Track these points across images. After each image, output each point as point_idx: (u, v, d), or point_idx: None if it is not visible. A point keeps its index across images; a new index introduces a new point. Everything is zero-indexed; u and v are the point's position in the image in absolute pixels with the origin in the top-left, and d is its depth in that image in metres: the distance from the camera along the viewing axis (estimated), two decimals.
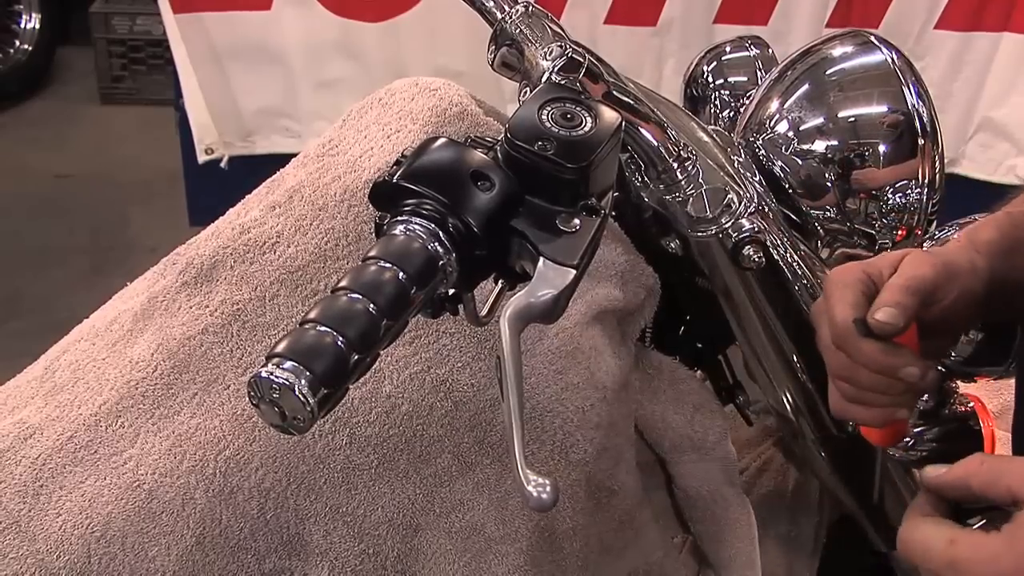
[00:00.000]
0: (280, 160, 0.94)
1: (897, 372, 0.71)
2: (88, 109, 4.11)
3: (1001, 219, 0.80)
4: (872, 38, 0.95)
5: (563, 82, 0.77)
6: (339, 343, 0.59)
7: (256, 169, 0.95)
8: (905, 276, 0.72)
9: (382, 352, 0.63)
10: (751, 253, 0.86)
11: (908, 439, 0.96)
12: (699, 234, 0.87)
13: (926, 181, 0.92)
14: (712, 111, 1.07)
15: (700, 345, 0.99)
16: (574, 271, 0.64)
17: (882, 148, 0.92)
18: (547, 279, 0.64)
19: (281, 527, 0.78)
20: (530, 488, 0.59)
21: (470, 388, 0.81)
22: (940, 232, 0.99)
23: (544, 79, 0.77)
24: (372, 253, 0.63)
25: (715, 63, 1.07)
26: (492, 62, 0.84)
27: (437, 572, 0.80)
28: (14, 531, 0.76)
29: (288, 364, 0.58)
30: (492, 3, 0.83)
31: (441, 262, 0.64)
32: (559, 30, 0.82)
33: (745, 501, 0.96)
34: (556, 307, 0.65)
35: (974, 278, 0.75)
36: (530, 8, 0.82)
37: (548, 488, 0.59)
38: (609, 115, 0.70)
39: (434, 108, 0.88)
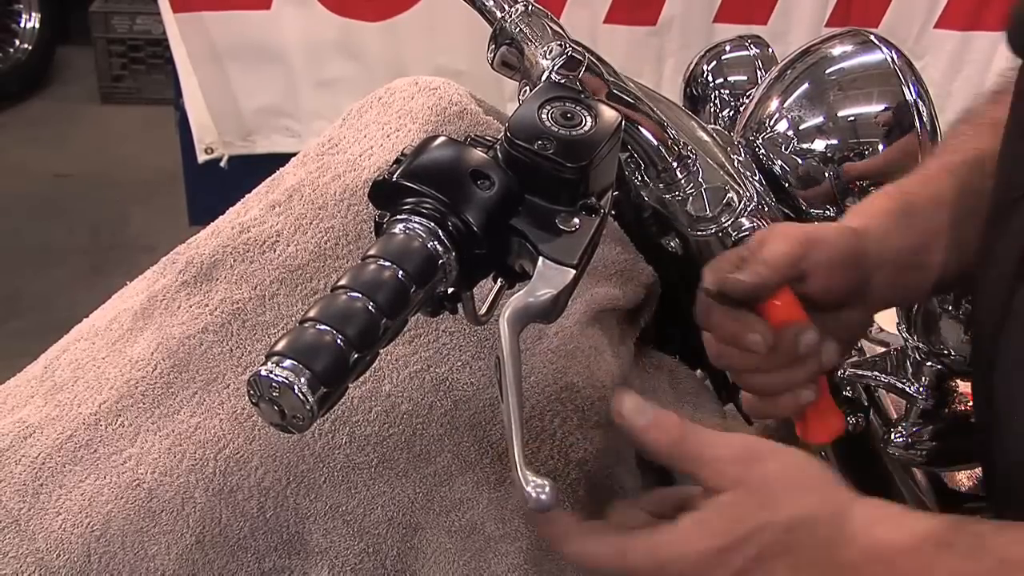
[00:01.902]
0: (280, 159, 0.94)
1: (743, 338, 0.71)
2: (88, 109, 4.12)
3: (889, 189, 0.81)
4: (872, 37, 0.95)
5: (563, 81, 0.77)
6: (339, 342, 0.59)
7: (256, 168, 0.95)
8: (759, 244, 0.73)
9: (382, 351, 0.63)
10: None
11: (903, 435, 0.96)
12: (699, 233, 0.87)
13: None
14: (712, 110, 1.07)
15: (700, 345, 0.99)
16: (573, 270, 0.65)
17: (882, 147, 0.92)
18: (546, 278, 0.64)
19: (281, 526, 0.78)
20: (529, 489, 0.59)
21: (470, 387, 0.81)
22: None
23: (544, 78, 0.77)
24: (372, 252, 0.63)
25: (715, 62, 1.07)
26: (492, 61, 0.84)
27: (437, 571, 0.80)
28: (14, 530, 0.76)
29: (288, 363, 0.58)
30: (492, 2, 0.83)
31: (441, 261, 0.64)
32: (559, 29, 0.82)
33: None
34: (555, 307, 0.65)
35: (848, 244, 0.74)
36: (530, 7, 0.82)
37: (547, 489, 0.59)
38: (609, 114, 0.70)
39: (434, 107, 0.88)
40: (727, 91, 1.06)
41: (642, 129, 0.84)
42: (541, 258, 0.65)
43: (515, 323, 0.63)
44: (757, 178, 0.93)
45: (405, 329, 0.66)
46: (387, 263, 0.62)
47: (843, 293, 0.75)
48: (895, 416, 0.99)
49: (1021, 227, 0.69)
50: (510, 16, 0.81)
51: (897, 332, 0.99)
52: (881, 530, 0.60)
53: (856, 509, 0.61)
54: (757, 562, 0.60)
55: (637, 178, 0.88)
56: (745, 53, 1.08)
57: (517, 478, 0.60)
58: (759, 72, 1.06)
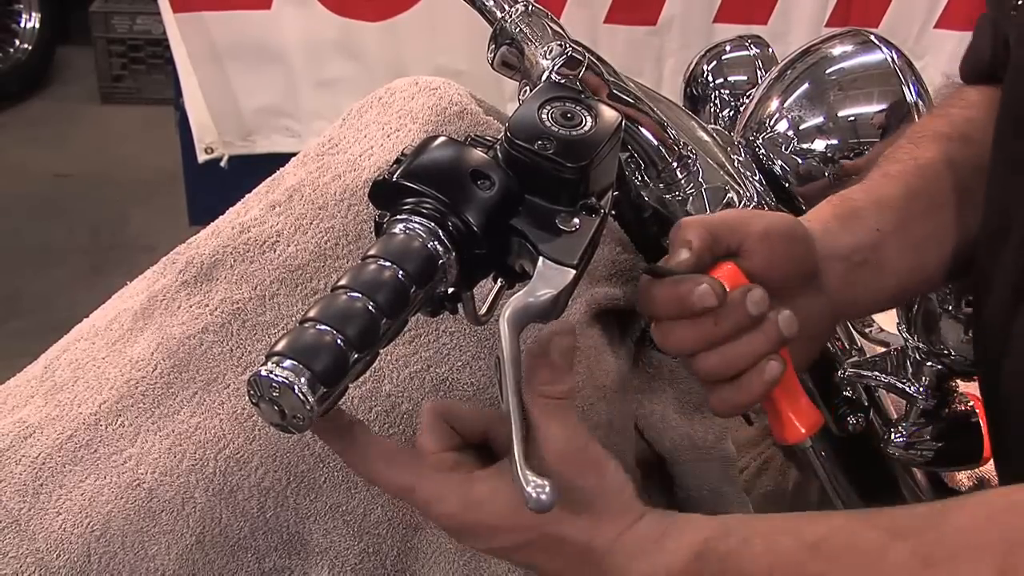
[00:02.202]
0: (280, 159, 0.94)
1: (691, 298, 0.66)
2: (88, 108, 4.12)
3: (832, 197, 0.80)
4: (872, 37, 0.95)
5: (563, 81, 0.77)
6: (339, 342, 0.59)
7: (256, 168, 0.95)
8: (692, 217, 0.70)
9: (382, 351, 0.63)
10: None
11: (903, 435, 0.96)
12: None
13: None
14: (712, 110, 1.07)
15: None
16: (574, 271, 0.64)
17: (882, 147, 0.92)
18: (546, 279, 0.64)
19: (281, 526, 0.78)
20: (529, 489, 0.59)
21: (470, 387, 0.81)
22: None
23: (544, 78, 0.77)
24: (372, 252, 0.63)
25: (715, 62, 1.07)
26: (492, 61, 0.84)
27: (437, 571, 0.80)
28: (14, 530, 0.76)
29: (288, 363, 0.58)
30: (492, 2, 0.83)
31: (441, 261, 0.64)
32: (559, 29, 0.82)
33: (745, 501, 0.96)
34: (555, 307, 0.65)
35: (786, 220, 0.72)
36: (530, 7, 0.82)
37: (547, 489, 0.59)
38: (609, 114, 0.70)
39: (434, 107, 0.88)
40: (727, 91, 1.06)
41: (642, 129, 0.84)
42: (541, 258, 0.65)
43: (515, 323, 0.63)
44: (757, 178, 0.93)
45: (405, 329, 0.66)
46: (387, 263, 0.62)
47: (787, 269, 0.71)
48: (895, 416, 0.99)
49: (1013, 256, 0.68)
50: (510, 16, 0.81)
51: (897, 332, 0.99)
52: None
53: (618, 546, 0.64)
54: (529, 548, 0.64)
55: (637, 178, 0.88)
56: (745, 53, 1.08)
57: (517, 478, 0.60)
58: (759, 72, 1.06)
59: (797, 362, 0.72)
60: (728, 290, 0.68)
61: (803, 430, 0.71)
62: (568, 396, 0.64)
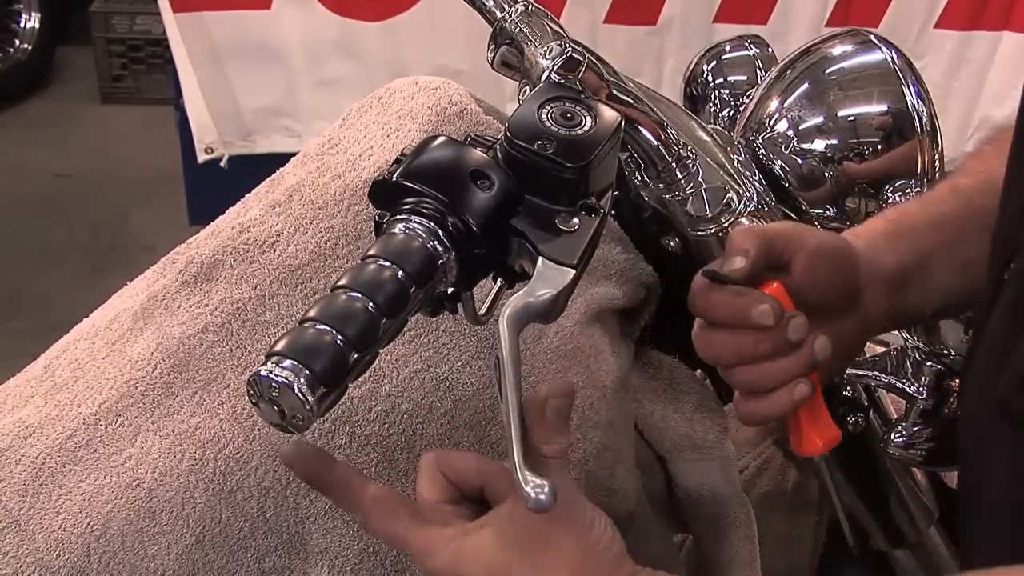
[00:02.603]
0: (280, 159, 0.94)
1: (750, 313, 0.68)
2: (88, 108, 4.12)
3: (888, 212, 0.81)
4: (872, 37, 0.95)
5: (563, 81, 0.77)
6: (338, 342, 0.59)
7: (256, 168, 0.95)
8: (735, 234, 0.72)
9: (381, 351, 0.63)
10: None
11: (903, 435, 0.96)
12: (698, 233, 0.87)
13: (926, 180, 0.92)
14: (712, 110, 1.07)
15: None
16: (573, 271, 0.65)
17: (881, 147, 0.92)
18: (546, 278, 0.64)
19: (281, 526, 0.78)
20: (528, 489, 0.59)
21: (470, 387, 0.81)
22: None
23: (544, 78, 0.77)
24: (371, 252, 0.63)
25: (715, 62, 1.07)
26: (492, 61, 0.84)
27: None
28: (14, 530, 0.76)
29: (287, 363, 0.58)
30: (492, 2, 0.83)
31: (440, 261, 0.64)
32: (559, 29, 0.82)
33: (745, 500, 0.95)
34: (555, 307, 0.65)
35: (833, 239, 0.74)
36: (530, 7, 0.82)
37: (546, 489, 0.59)
38: (609, 114, 0.70)
39: (434, 107, 0.88)
40: (727, 91, 1.06)
41: (642, 129, 0.84)
42: (541, 258, 0.65)
43: (514, 323, 0.63)
44: (757, 178, 0.93)
45: (405, 329, 0.66)
46: (387, 263, 0.62)
47: (831, 290, 0.73)
48: (895, 416, 0.99)
49: (1012, 295, 0.67)
50: (510, 16, 0.81)
51: (897, 332, 0.99)
52: None
53: None
54: None
55: (637, 178, 0.88)
56: (745, 53, 1.07)
57: (516, 478, 0.60)
58: (759, 72, 1.05)
59: (823, 377, 0.74)
60: None
61: (820, 444, 0.74)
62: (560, 456, 0.65)
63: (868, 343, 1.02)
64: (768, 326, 0.68)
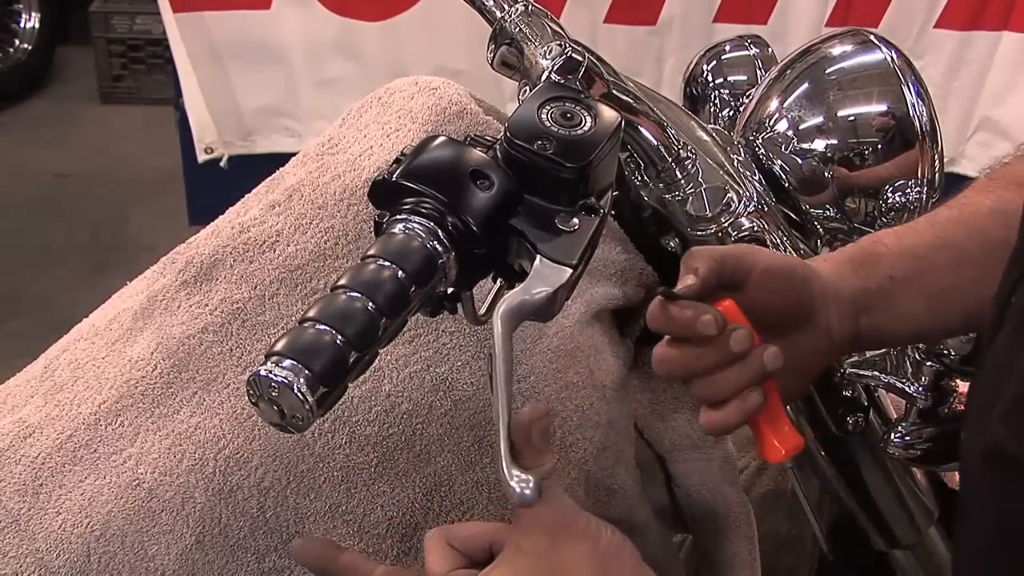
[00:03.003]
0: (280, 159, 0.94)
1: (695, 324, 0.70)
2: (88, 108, 4.12)
3: (862, 240, 0.82)
4: (872, 37, 0.95)
5: (563, 81, 0.77)
6: (338, 341, 0.59)
7: (256, 168, 0.95)
8: (687, 255, 0.74)
9: (381, 351, 0.63)
10: None
11: (903, 435, 0.96)
12: (698, 233, 0.87)
13: (926, 180, 0.92)
14: (712, 110, 1.07)
15: None
16: (570, 269, 0.65)
17: (881, 147, 0.92)
18: (543, 276, 0.64)
19: (281, 526, 0.78)
20: (513, 484, 0.60)
21: (470, 387, 0.81)
22: None
23: (544, 78, 0.77)
24: (371, 251, 0.63)
25: (715, 62, 1.07)
26: (492, 61, 0.84)
27: None
28: (14, 530, 0.76)
29: (287, 362, 0.58)
30: (492, 2, 0.83)
31: (440, 260, 0.64)
32: (559, 29, 0.82)
33: (745, 500, 0.96)
34: (551, 305, 0.65)
35: (785, 260, 0.77)
36: (530, 7, 0.82)
37: (531, 484, 0.59)
38: (609, 114, 0.70)
39: (433, 107, 0.88)
40: (727, 91, 1.06)
41: (642, 129, 0.84)
42: (538, 256, 0.65)
43: (509, 320, 0.63)
44: (757, 178, 0.93)
45: (405, 329, 0.66)
46: (386, 263, 0.62)
47: (783, 307, 0.76)
48: (895, 416, 0.99)
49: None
50: (510, 16, 0.81)
51: None
52: None
53: None
54: None
55: (637, 178, 0.88)
56: (745, 53, 1.07)
57: (503, 473, 0.60)
58: (759, 72, 1.05)
59: (786, 391, 0.76)
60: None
61: (782, 452, 0.75)
62: (549, 476, 0.66)
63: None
64: (710, 336, 0.70)
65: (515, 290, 0.64)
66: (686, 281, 0.72)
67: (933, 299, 0.79)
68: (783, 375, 0.74)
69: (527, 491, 0.59)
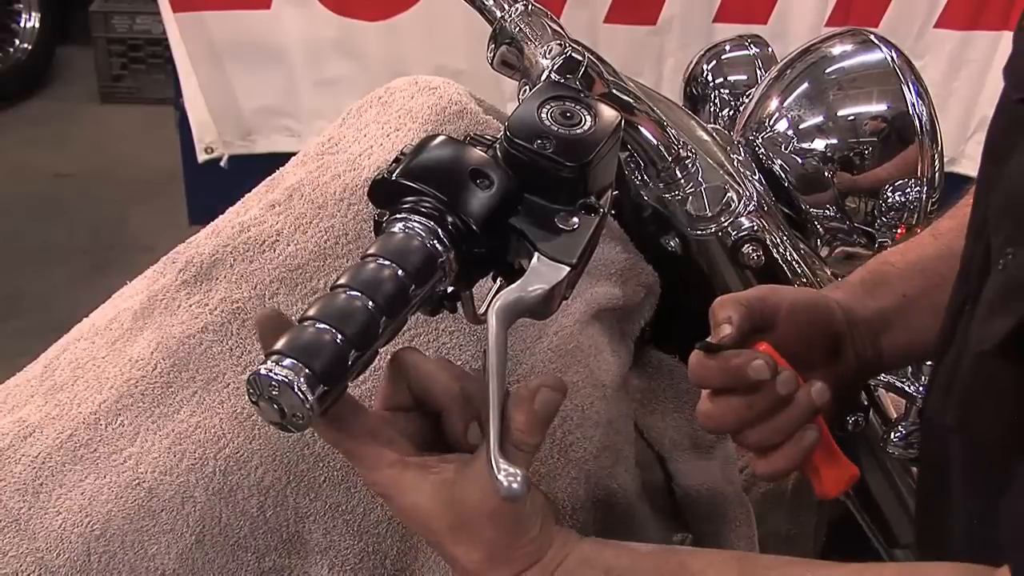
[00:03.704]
0: (280, 159, 0.94)
1: (746, 370, 0.71)
2: (88, 108, 4.11)
3: (869, 263, 0.84)
4: (872, 37, 0.95)
5: (563, 80, 0.77)
6: (338, 340, 0.59)
7: (256, 168, 0.95)
8: (716, 304, 0.75)
9: (381, 350, 0.63)
10: (750, 252, 0.87)
11: (903, 435, 0.96)
12: (698, 232, 0.87)
13: (926, 180, 0.92)
14: (712, 110, 1.07)
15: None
16: (567, 267, 0.65)
17: (881, 147, 0.92)
18: (540, 274, 0.64)
19: (281, 525, 0.78)
20: (500, 477, 0.59)
21: None
22: None
23: (544, 77, 0.77)
24: (371, 251, 0.63)
25: (715, 62, 1.07)
26: (492, 61, 0.84)
27: (437, 571, 0.80)
28: (14, 529, 0.76)
29: (287, 361, 0.58)
30: (492, 2, 0.83)
31: (440, 259, 0.64)
32: (558, 29, 0.82)
33: (745, 500, 0.96)
34: (547, 303, 0.65)
35: (807, 293, 0.79)
36: (530, 7, 0.82)
37: (519, 479, 0.59)
38: (609, 114, 0.70)
39: (433, 106, 0.88)
40: (727, 91, 1.06)
41: (642, 128, 0.84)
42: (536, 254, 0.65)
43: (504, 315, 0.63)
44: (757, 177, 0.93)
45: (405, 329, 0.66)
46: (386, 262, 0.62)
47: (813, 341, 0.77)
48: (895, 416, 0.99)
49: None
50: (510, 16, 0.81)
51: None
52: None
53: None
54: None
55: (637, 177, 0.88)
56: (745, 53, 1.07)
57: (489, 466, 0.60)
58: (759, 72, 1.05)
59: (829, 420, 0.76)
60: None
61: (841, 484, 0.76)
62: (532, 451, 0.65)
63: None
64: (765, 379, 0.71)
65: (511, 287, 0.64)
66: (722, 332, 0.73)
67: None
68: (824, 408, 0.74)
69: (515, 485, 0.59)
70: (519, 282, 0.64)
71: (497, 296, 0.64)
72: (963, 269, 0.68)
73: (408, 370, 0.67)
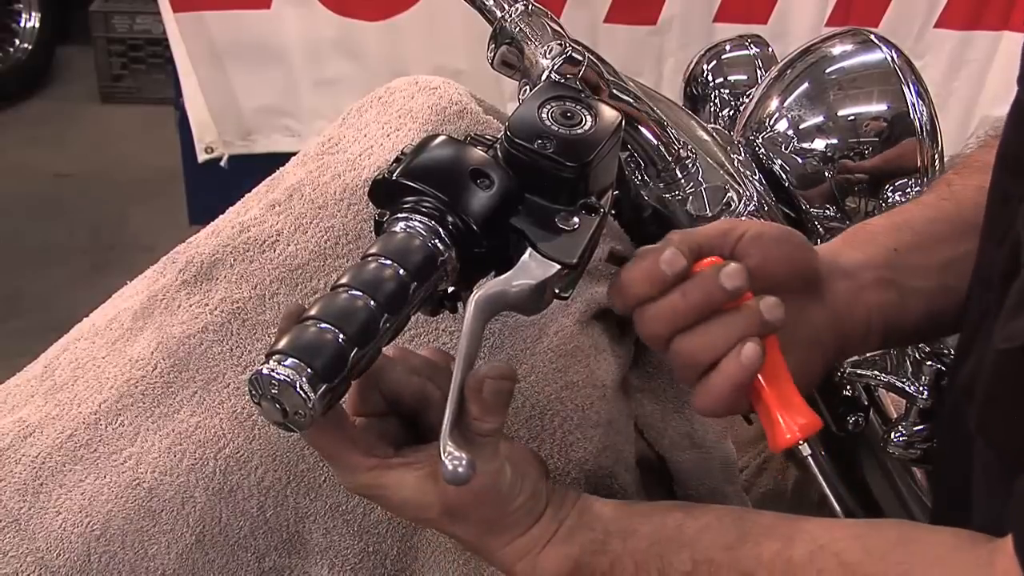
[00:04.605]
0: (280, 159, 0.94)
1: (659, 264, 0.64)
2: (88, 108, 4.11)
3: (853, 227, 0.80)
4: (872, 37, 0.95)
5: (563, 80, 0.77)
6: (339, 340, 0.59)
7: (256, 168, 0.95)
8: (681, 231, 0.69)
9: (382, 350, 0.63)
10: None
11: (903, 435, 0.96)
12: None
13: (926, 179, 0.92)
14: (712, 110, 1.07)
15: None
16: (557, 266, 0.65)
17: (881, 146, 0.92)
18: (527, 270, 0.65)
19: (281, 525, 0.78)
20: (446, 460, 0.60)
21: None
22: None
23: (544, 77, 0.77)
24: (372, 250, 0.63)
25: (715, 62, 1.07)
26: (492, 61, 0.84)
27: (437, 571, 0.80)
28: (14, 529, 0.76)
29: (289, 361, 0.58)
30: (492, 1, 0.83)
31: (441, 259, 0.64)
32: (559, 28, 0.82)
33: (745, 500, 0.96)
34: (532, 299, 0.65)
35: (782, 228, 0.72)
36: (530, 6, 0.82)
37: (464, 462, 0.59)
38: (609, 113, 0.70)
39: (434, 106, 0.88)
40: (727, 90, 1.06)
41: (642, 128, 0.84)
42: (529, 250, 0.65)
43: (484, 305, 0.64)
44: (757, 177, 0.93)
45: (405, 328, 0.66)
46: (387, 261, 0.62)
47: (786, 272, 0.69)
48: (895, 416, 0.99)
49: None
50: (510, 15, 0.81)
51: None
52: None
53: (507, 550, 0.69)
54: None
55: (637, 177, 0.88)
56: (745, 52, 1.07)
57: (438, 447, 0.60)
58: (759, 71, 1.06)
59: (800, 374, 0.68)
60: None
61: (796, 430, 0.65)
62: (491, 435, 0.66)
63: None
64: (682, 267, 0.63)
65: (497, 279, 0.64)
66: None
67: (944, 270, 0.75)
68: (795, 351, 0.68)
69: (460, 469, 0.59)
70: (506, 275, 0.65)
71: (481, 285, 0.64)
72: (984, 277, 0.65)
73: (379, 380, 0.69)
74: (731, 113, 1.05)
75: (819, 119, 0.93)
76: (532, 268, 0.65)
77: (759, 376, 0.65)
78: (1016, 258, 0.57)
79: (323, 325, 0.59)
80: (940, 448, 0.78)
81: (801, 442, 0.66)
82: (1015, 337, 0.53)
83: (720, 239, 0.69)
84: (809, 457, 0.68)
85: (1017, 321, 0.54)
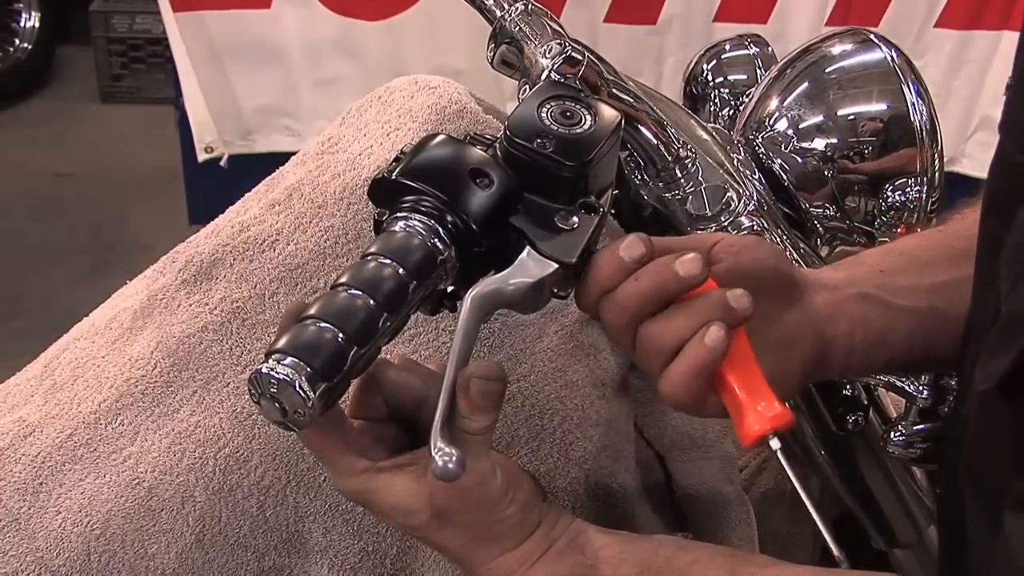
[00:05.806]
0: (280, 158, 0.94)
1: (618, 251, 0.64)
2: (88, 108, 4.12)
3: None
4: (872, 36, 0.95)
5: (563, 80, 0.77)
6: (339, 339, 0.59)
7: (256, 168, 0.95)
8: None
9: (382, 350, 0.63)
10: None
11: (903, 435, 0.96)
12: (699, 232, 0.87)
13: (926, 179, 0.92)
14: (712, 109, 1.07)
15: None
16: (555, 265, 0.65)
17: (881, 146, 0.92)
18: (525, 268, 0.65)
19: (280, 525, 0.78)
20: (435, 455, 0.60)
21: None
22: None
23: (544, 77, 0.77)
24: (371, 249, 0.63)
25: (715, 61, 1.07)
26: (491, 60, 0.84)
27: (436, 570, 0.80)
28: (14, 529, 0.76)
29: (288, 360, 0.58)
30: (492, 1, 0.83)
31: (440, 258, 0.64)
32: (558, 28, 0.82)
33: (744, 499, 0.96)
34: (529, 298, 0.65)
35: (756, 237, 0.73)
36: (529, 6, 0.82)
37: (454, 458, 0.60)
38: (609, 113, 0.70)
39: (433, 106, 0.88)
40: (727, 90, 1.06)
41: (641, 128, 0.84)
42: (527, 248, 0.65)
43: (480, 303, 0.64)
44: (757, 177, 0.93)
45: (405, 328, 0.66)
46: (387, 260, 0.62)
47: (760, 278, 0.68)
48: (895, 415, 0.99)
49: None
50: (510, 15, 0.81)
51: None
52: None
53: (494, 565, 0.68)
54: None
55: (637, 177, 0.88)
56: (745, 52, 1.07)
57: (429, 444, 0.60)
58: (759, 71, 1.05)
59: (773, 369, 0.66)
60: None
61: (764, 424, 0.62)
62: (481, 434, 0.65)
63: None
64: (643, 253, 0.63)
65: (495, 276, 0.64)
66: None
67: (935, 292, 0.74)
68: (768, 351, 0.66)
69: (450, 465, 0.59)
70: (503, 273, 0.65)
71: (478, 283, 0.64)
72: (978, 323, 0.64)
73: (382, 384, 0.69)
74: (731, 113, 1.05)
75: (819, 119, 0.93)
76: (530, 267, 0.65)
77: (727, 368, 0.63)
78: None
79: (322, 324, 0.59)
80: (941, 497, 0.76)
81: (771, 435, 0.63)
82: (990, 378, 0.53)
83: (693, 244, 0.68)
84: (779, 452, 0.64)
85: (994, 362, 0.53)
